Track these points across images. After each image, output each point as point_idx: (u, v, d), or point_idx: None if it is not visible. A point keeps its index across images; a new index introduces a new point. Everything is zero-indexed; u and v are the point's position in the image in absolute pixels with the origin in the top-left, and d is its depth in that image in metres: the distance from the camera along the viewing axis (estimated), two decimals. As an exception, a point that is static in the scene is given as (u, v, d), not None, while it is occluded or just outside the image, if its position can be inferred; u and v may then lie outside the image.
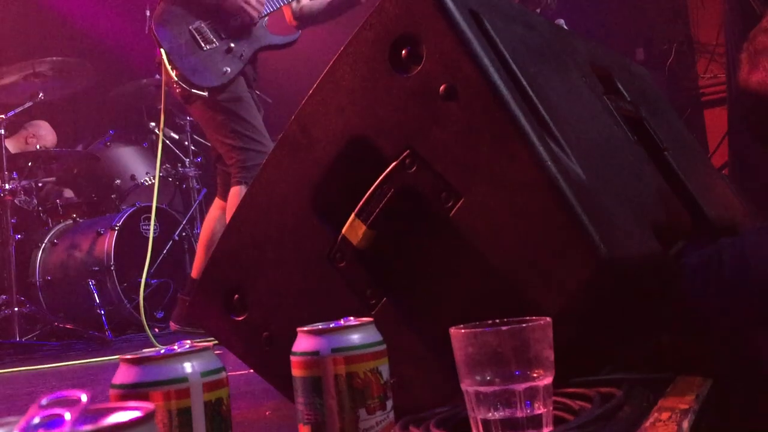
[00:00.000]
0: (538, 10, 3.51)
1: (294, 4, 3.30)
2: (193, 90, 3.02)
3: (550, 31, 1.34)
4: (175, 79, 3.02)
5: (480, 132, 0.99)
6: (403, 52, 1.04)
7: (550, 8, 3.55)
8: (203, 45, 3.08)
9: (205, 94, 3.02)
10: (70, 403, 0.35)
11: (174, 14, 3.12)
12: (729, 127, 4.90)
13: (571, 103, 1.18)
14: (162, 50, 3.05)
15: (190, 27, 3.09)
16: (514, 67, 1.04)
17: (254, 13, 3.11)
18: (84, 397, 0.35)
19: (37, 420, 0.34)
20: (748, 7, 4.19)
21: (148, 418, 0.34)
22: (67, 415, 0.34)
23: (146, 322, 3.07)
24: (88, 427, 0.34)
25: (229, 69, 3.07)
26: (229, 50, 3.10)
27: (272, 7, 3.20)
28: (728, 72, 4.92)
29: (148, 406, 0.35)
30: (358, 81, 1.09)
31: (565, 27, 3.68)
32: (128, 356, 0.62)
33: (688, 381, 0.97)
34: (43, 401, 0.36)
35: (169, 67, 3.03)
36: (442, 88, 1.01)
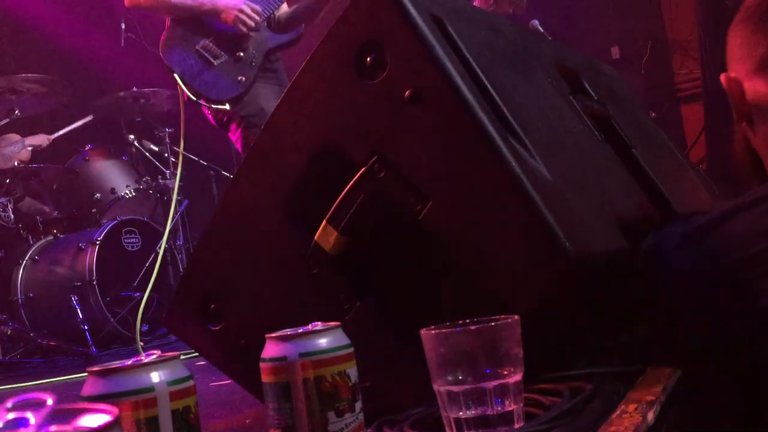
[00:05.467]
0: (511, 10, 3.53)
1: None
2: (213, 105, 3.05)
3: (516, 34, 1.36)
4: (194, 99, 3.06)
5: (445, 135, 1.00)
6: (368, 59, 1.05)
7: (520, 7, 3.59)
8: (213, 60, 3.10)
9: (227, 106, 3.05)
10: (36, 406, 0.35)
11: (178, 37, 3.14)
12: (705, 122, 4.96)
13: (536, 105, 1.20)
14: (175, 75, 3.08)
15: (197, 46, 3.12)
16: (477, 70, 1.06)
17: (251, 23, 3.10)
18: (50, 400, 0.35)
19: (0, 423, 0.34)
20: (720, 3, 4.25)
21: (114, 423, 0.34)
22: (32, 419, 0.34)
23: (130, 335, 3.06)
24: (53, 429, 0.33)
25: (243, 77, 3.09)
26: (239, 59, 3.12)
27: (268, 12, 3.20)
28: (702, 67, 4.99)
29: (114, 409, 0.35)
30: (325, 89, 1.10)
31: (540, 28, 3.72)
32: (95, 368, 0.62)
33: (657, 373, 0.99)
34: (8, 404, 0.35)
35: (185, 89, 3.07)
36: (407, 93, 1.02)
